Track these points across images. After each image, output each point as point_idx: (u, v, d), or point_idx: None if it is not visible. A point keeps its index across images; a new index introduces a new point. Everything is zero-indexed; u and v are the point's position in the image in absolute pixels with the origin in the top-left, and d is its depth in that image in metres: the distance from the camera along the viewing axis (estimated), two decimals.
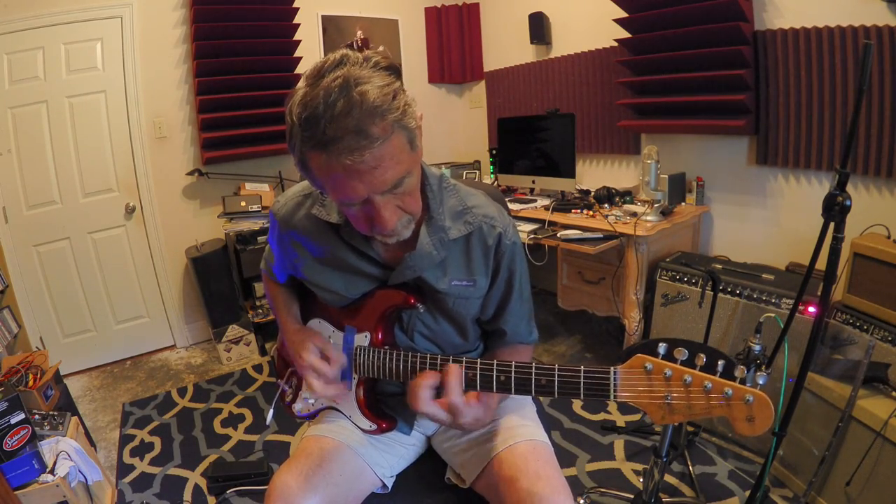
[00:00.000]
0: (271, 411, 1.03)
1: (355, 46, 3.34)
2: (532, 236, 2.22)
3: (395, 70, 0.69)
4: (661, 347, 0.63)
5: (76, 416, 1.77)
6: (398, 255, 0.87)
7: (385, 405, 0.99)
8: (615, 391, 0.66)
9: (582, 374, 0.68)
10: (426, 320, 0.93)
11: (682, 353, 0.62)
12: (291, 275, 1.04)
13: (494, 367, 0.76)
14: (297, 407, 1.06)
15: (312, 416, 1.06)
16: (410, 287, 0.89)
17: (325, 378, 0.90)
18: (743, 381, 0.59)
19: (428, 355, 0.83)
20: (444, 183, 0.90)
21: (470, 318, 0.93)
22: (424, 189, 0.85)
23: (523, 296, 0.95)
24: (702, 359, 0.61)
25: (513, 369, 0.75)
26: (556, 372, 0.71)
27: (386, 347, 0.90)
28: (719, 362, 0.60)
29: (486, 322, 0.98)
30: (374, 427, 0.95)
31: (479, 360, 0.78)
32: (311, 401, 1.03)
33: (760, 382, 0.59)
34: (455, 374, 0.77)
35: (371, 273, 0.90)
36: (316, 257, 0.92)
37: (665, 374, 0.62)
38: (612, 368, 0.66)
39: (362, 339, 0.92)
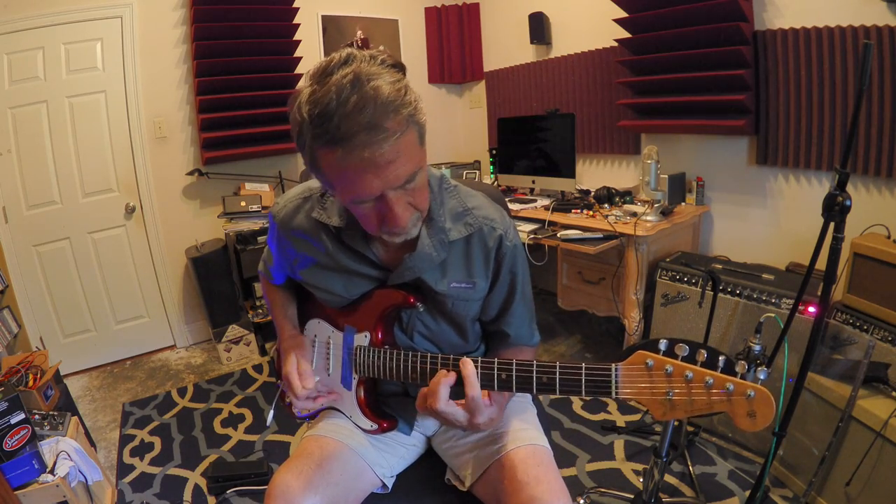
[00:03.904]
0: (271, 412, 1.03)
1: (355, 46, 3.33)
2: (532, 236, 2.22)
3: (401, 67, 0.69)
4: (662, 344, 0.63)
5: (76, 416, 1.77)
6: (398, 257, 0.87)
7: (385, 405, 0.99)
8: (617, 388, 0.66)
9: (583, 370, 0.68)
10: (426, 320, 0.93)
11: (682, 350, 0.62)
12: (289, 276, 1.04)
13: (496, 365, 0.76)
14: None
15: (313, 417, 1.06)
16: (410, 287, 0.89)
17: (295, 392, 0.91)
18: (744, 377, 0.60)
19: (429, 354, 0.83)
20: (445, 184, 0.90)
21: (469, 319, 0.93)
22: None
23: (525, 298, 0.96)
24: (703, 355, 0.61)
25: (514, 367, 0.75)
26: (558, 369, 0.71)
27: (386, 347, 0.90)
28: (720, 358, 0.61)
29: (488, 323, 0.98)
30: (375, 427, 0.95)
31: (480, 359, 0.78)
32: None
33: (761, 378, 0.59)
34: (472, 368, 0.76)
35: (370, 275, 0.90)
36: (315, 259, 0.92)
37: (666, 370, 0.62)
38: (613, 365, 0.66)
39: (362, 339, 0.92)
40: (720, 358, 0.61)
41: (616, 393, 0.66)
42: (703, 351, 0.61)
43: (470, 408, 0.76)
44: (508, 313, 0.94)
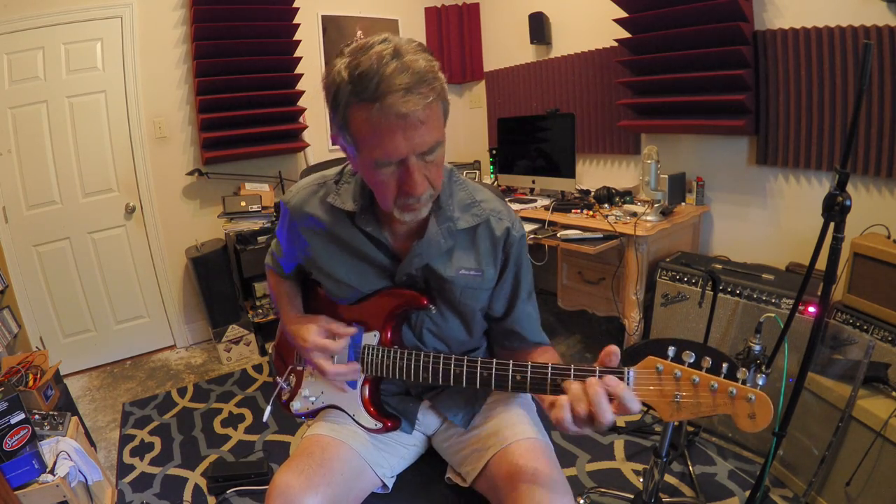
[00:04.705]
0: (268, 409, 1.03)
1: None
2: (532, 236, 2.22)
3: (431, 53, 0.74)
4: (671, 350, 0.67)
5: (76, 416, 1.77)
6: (407, 246, 0.89)
7: (387, 404, 0.99)
8: None
9: (598, 373, 0.69)
10: (434, 318, 0.94)
11: (689, 356, 0.66)
12: (300, 266, 1.05)
13: (510, 366, 0.77)
14: (297, 406, 1.05)
15: (311, 416, 1.06)
16: (421, 288, 0.91)
17: (332, 353, 0.90)
18: (745, 382, 0.64)
19: (442, 355, 0.83)
20: (455, 177, 0.93)
21: (477, 310, 0.95)
22: None
23: (531, 295, 0.98)
24: (708, 361, 0.65)
25: (529, 369, 0.75)
26: (573, 371, 0.72)
27: (395, 347, 0.91)
28: (724, 365, 0.65)
29: (497, 320, 0.99)
30: (379, 426, 0.95)
31: (494, 361, 0.78)
32: (312, 399, 1.02)
33: (760, 383, 0.63)
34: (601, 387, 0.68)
35: (381, 263, 0.91)
36: (326, 244, 0.93)
37: (675, 374, 0.66)
38: (626, 368, 0.68)
39: (371, 338, 0.92)
40: (724, 364, 0.65)
41: None
42: (708, 357, 0.65)
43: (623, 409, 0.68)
44: (516, 309, 0.96)
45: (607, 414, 0.66)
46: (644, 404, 0.68)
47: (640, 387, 0.67)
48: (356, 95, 0.68)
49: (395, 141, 0.69)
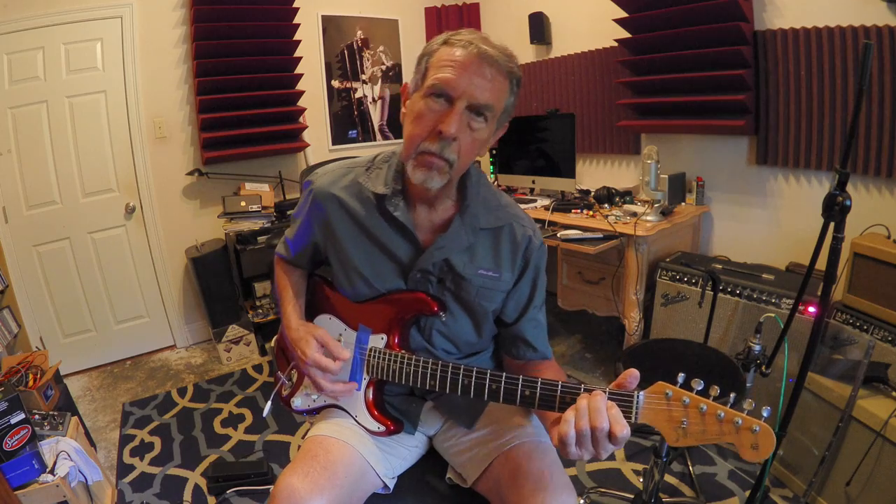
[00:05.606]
0: (269, 404, 1.02)
1: (355, 46, 3.35)
2: None
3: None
4: (680, 377, 0.68)
5: (76, 416, 1.77)
6: (430, 240, 0.91)
7: (390, 405, 0.99)
8: (637, 413, 0.69)
9: (607, 395, 0.70)
10: (446, 318, 0.94)
11: (698, 384, 0.67)
12: (311, 250, 1.04)
13: (520, 381, 0.77)
14: (297, 403, 1.05)
15: (313, 413, 1.06)
16: (432, 293, 0.91)
17: (331, 375, 0.91)
18: (750, 413, 0.65)
19: (450, 365, 0.83)
20: (482, 179, 0.96)
21: (490, 311, 0.95)
22: (465, 181, 0.91)
23: (543, 301, 1.00)
24: (716, 390, 0.67)
25: (539, 385, 0.75)
26: (583, 391, 0.72)
27: (402, 352, 0.90)
28: (731, 395, 0.66)
29: (507, 325, 0.99)
30: (382, 429, 0.94)
31: (504, 374, 0.78)
32: (314, 397, 1.02)
33: (765, 415, 0.64)
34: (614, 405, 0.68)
35: (399, 256, 0.91)
36: (348, 225, 0.94)
37: (683, 401, 0.67)
38: (635, 392, 0.69)
39: (378, 341, 0.92)
40: (731, 394, 0.66)
41: (636, 417, 0.69)
42: (716, 386, 0.67)
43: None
44: (527, 316, 0.97)
45: (604, 423, 0.65)
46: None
47: (648, 410, 0.69)
48: (446, 41, 0.80)
49: (462, 73, 0.77)
